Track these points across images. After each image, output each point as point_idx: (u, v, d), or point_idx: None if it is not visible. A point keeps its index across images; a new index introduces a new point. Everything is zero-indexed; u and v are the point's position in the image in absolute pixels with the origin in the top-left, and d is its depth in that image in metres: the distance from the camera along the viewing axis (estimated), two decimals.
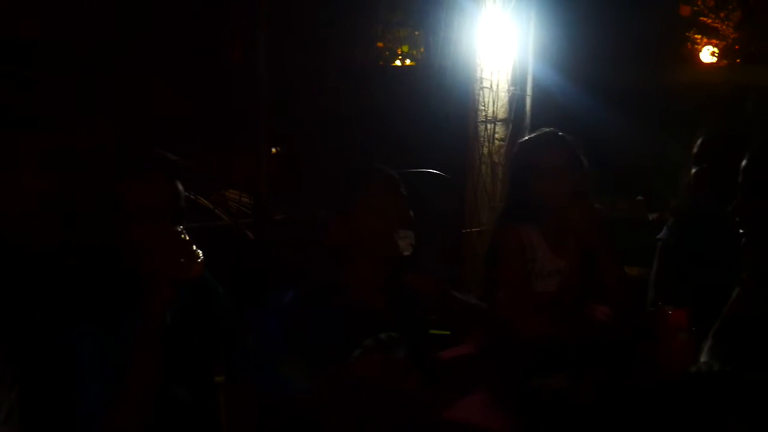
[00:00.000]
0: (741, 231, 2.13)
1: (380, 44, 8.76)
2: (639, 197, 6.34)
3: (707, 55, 12.72)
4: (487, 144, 4.82)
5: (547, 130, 2.79)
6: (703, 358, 2.22)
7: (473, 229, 4.72)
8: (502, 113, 4.90)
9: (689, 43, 12.73)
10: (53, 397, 1.84)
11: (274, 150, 4.84)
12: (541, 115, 5.06)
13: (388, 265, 2.24)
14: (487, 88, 4.80)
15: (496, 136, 4.89)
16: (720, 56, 12.68)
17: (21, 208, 3.82)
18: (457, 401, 2.02)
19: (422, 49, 8.25)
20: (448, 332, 2.69)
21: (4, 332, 1.92)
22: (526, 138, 2.89)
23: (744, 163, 2.13)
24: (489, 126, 4.83)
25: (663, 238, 3.02)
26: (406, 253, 2.21)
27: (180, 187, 2.02)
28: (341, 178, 2.30)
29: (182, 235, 1.91)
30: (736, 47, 12.54)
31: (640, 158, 6.41)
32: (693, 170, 3.08)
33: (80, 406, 1.84)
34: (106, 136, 4.24)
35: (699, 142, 3.11)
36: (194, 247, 1.91)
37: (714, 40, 12.67)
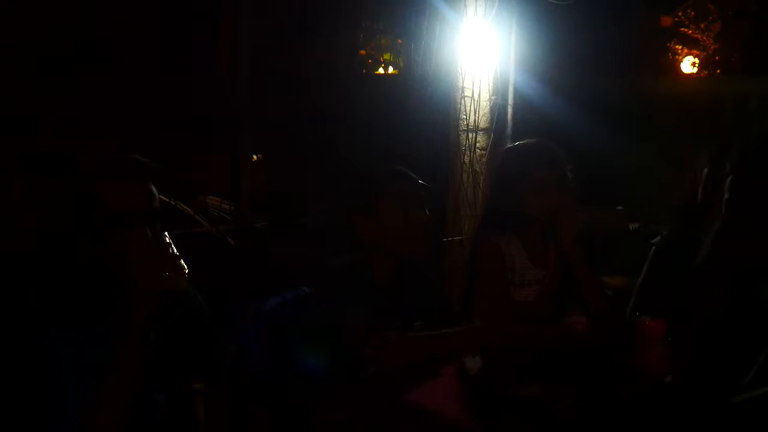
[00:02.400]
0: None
1: (362, 52, 8.76)
2: (619, 207, 6.37)
3: (688, 65, 12.83)
4: (468, 153, 4.84)
5: (535, 140, 2.79)
6: None
7: (454, 238, 4.73)
8: (483, 122, 4.92)
9: (670, 54, 12.84)
10: (33, 399, 1.84)
11: (255, 157, 4.84)
12: (522, 124, 5.08)
13: (408, 259, 2.36)
14: (468, 97, 4.82)
15: (478, 145, 4.91)
16: (700, 66, 12.79)
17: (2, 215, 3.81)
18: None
19: (404, 57, 8.26)
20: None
21: None
22: (513, 146, 2.88)
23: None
24: (470, 135, 4.85)
25: (657, 243, 3.01)
26: (424, 251, 2.41)
27: (154, 189, 2.03)
28: (367, 179, 2.40)
29: (170, 248, 1.92)
30: (716, 57, 12.66)
31: (620, 168, 6.45)
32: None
33: (59, 408, 1.83)
34: (82, 140, 4.23)
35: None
36: (180, 260, 1.93)
37: (695, 51, 12.79)
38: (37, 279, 2.14)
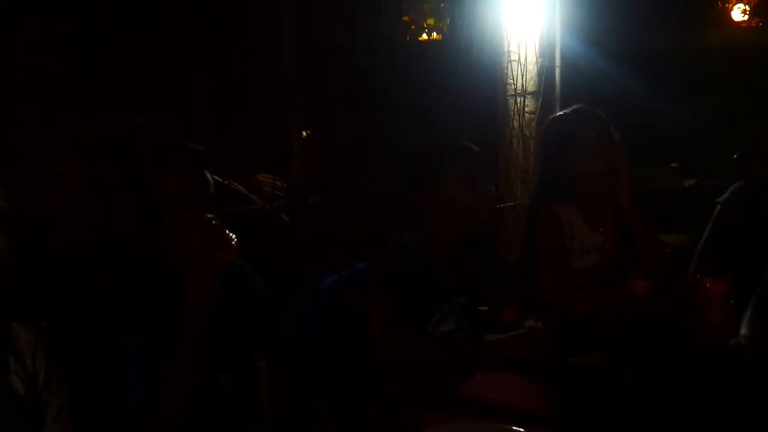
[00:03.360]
0: None
1: (406, 18, 8.69)
2: (673, 164, 6.27)
3: (738, 13, 12.50)
4: (517, 118, 4.79)
5: (578, 106, 2.76)
6: (743, 331, 2.21)
7: (507, 204, 4.70)
8: (531, 86, 4.86)
9: (719, 2, 12.52)
10: (100, 392, 1.88)
11: (304, 133, 4.85)
12: (570, 86, 5.00)
13: (468, 235, 2.36)
14: (515, 61, 4.75)
15: (527, 109, 4.85)
16: (751, 14, 12.45)
17: (53, 202, 3.89)
18: (496, 380, 2.03)
19: (448, 21, 8.18)
20: (486, 308, 2.70)
21: (51, 330, 1.96)
22: (557, 115, 2.86)
23: None
24: (518, 99, 4.79)
25: (722, 201, 2.94)
26: (489, 226, 2.47)
27: (209, 175, 2.04)
28: (431, 152, 2.39)
29: (213, 222, 1.94)
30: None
31: (672, 124, 6.33)
32: None
33: (126, 401, 1.87)
34: (133, 125, 4.29)
35: None
36: (227, 232, 1.94)
37: None
38: (99, 273, 2.18)
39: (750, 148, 2.97)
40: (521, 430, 1.54)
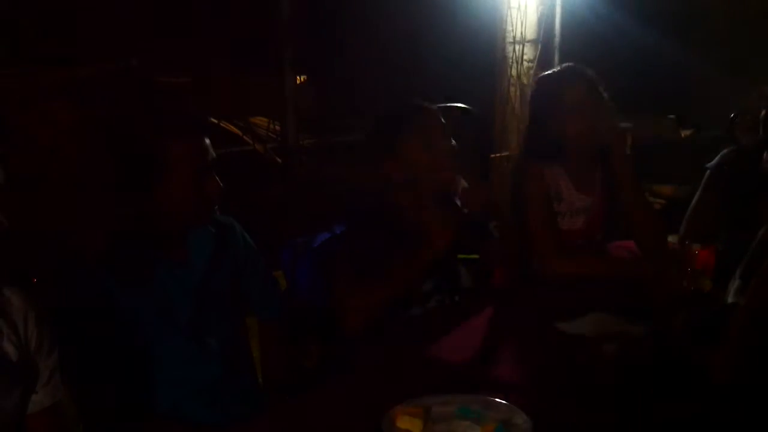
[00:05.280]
0: None
1: None
2: (671, 116, 6.25)
3: None
4: (515, 66, 4.76)
5: (567, 65, 2.73)
6: (731, 299, 2.22)
7: (501, 154, 4.71)
8: (530, 34, 4.81)
9: None
10: (91, 349, 1.90)
11: (299, 79, 4.83)
12: (570, 34, 4.96)
13: (439, 197, 2.32)
14: (515, 8, 4.70)
15: (525, 57, 4.82)
16: None
17: (54, 142, 3.88)
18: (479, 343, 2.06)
19: None
20: (476, 256, 2.71)
21: (42, 289, 1.98)
22: (545, 74, 2.81)
23: None
24: (517, 47, 4.76)
25: (711, 167, 2.92)
26: (457, 187, 2.34)
27: (208, 142, 2.03)
28: (386, 119, 2.35)
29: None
30: None
31: (672, 74, 6.29)
32: None
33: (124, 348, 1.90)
34: (128, 66, 4.25)
35: None
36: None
37: None
38: (96, 223, 2.19)
39: (736, 116, 2.94)
40: (502, 401, 1.57)
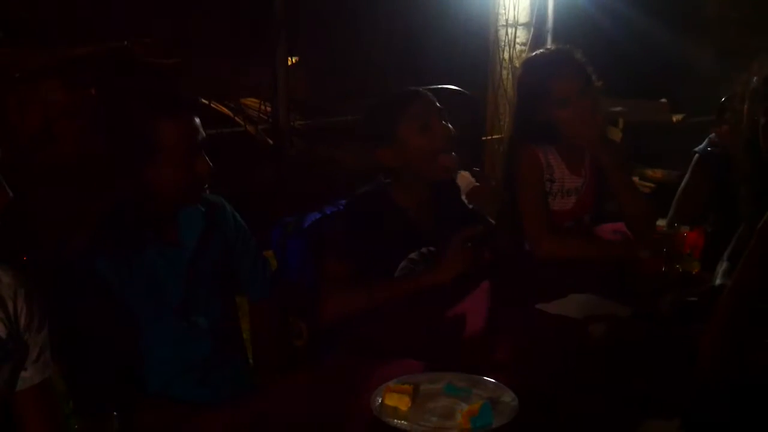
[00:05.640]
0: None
1: None
2: (663, 99, 6.25)
3: None
4: (508, 49, 4.76)
5: (556, 48, 2.71)
6: (719, 281, 2.24)
7: (494, 137, 4.71)
8: (523, 17, 4.81)
9: None
10: (81, 328, 1.90)
11: (291, 60, 4.81)
12: (563, 18, 4.96)
13: (434, 184, 2.35)
14: None
15: (518, 40, 4.82)
16: None
17: (42, 122, 3.87)
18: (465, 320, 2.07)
19: None
20: None
21: (32, 266, 1.98)
22: (533, 56, 2.79)
23: None
24: (510, 30, 4.75)
25: (699, 151, 2.92)
26: (452, 174, 2.36)
27: (198, 121, 2.03)
28: (381, 106, 2.36)
29: None
30: None
31: (664, 59, 6.28)
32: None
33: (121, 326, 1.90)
34: (120, 47, 4.23)
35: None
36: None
37: None
38: (85, 203, 2.18)
39: (727, 100, 2.92)
40: (489, 379, 1.58)
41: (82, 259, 1.94)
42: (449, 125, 2.33)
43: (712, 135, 2.92)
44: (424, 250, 2.27)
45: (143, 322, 1.96)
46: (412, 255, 2.27)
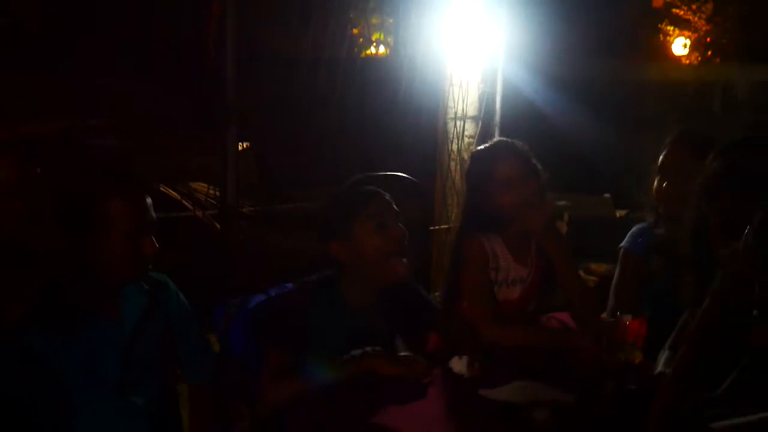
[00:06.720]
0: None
1: (355, 31, 8.69)
2: (606, 195, 6.39)
3: (679, 47, 12.82)
4: (456, 141, 4.84)
5: (499, 140, 2.83)
6: (660, 369, 2.25)
7: (441, 227, 4.75)
8: (471, 110, 4.92)
9: (661, 35, 12.82)
10: (11, 405, 1.85)
11: (242, 146, 4.83)
12: (510, 112, 5.08)
13: (386, 284, 2.37)
14: (457, 85, 4.81)
15: (466, 133, 4.91)
16: (692, 48, 12.78)
17: None
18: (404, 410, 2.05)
19: (392, 40, 8.21)
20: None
21: None
22: (479, 149, 2.90)
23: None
24: (458, 123, 4.85)
25: (625, 246, 2.97)
26: (403, 278, 2.37)
27: (150, 201, 2.03)
28: (340, 201, 2.38)
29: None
30: (708, 39, 12.66)
31: (609, 155, 6.46)
32: (662, 183, 2.92)
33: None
34: (68, 127, 4.23)
35: (666, 151, 3.02)
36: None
37: (686, 32, 12.77)
38: (24, 276, 2.15)
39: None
40: None
41: (14, 334, 1.90)
42: (404, 228, 2.35)
43: (634, 229, 2.97)
44: (368, 349, 2.24)
45: (79, 399, 1.92)
46: (354, 352, 2.24)
